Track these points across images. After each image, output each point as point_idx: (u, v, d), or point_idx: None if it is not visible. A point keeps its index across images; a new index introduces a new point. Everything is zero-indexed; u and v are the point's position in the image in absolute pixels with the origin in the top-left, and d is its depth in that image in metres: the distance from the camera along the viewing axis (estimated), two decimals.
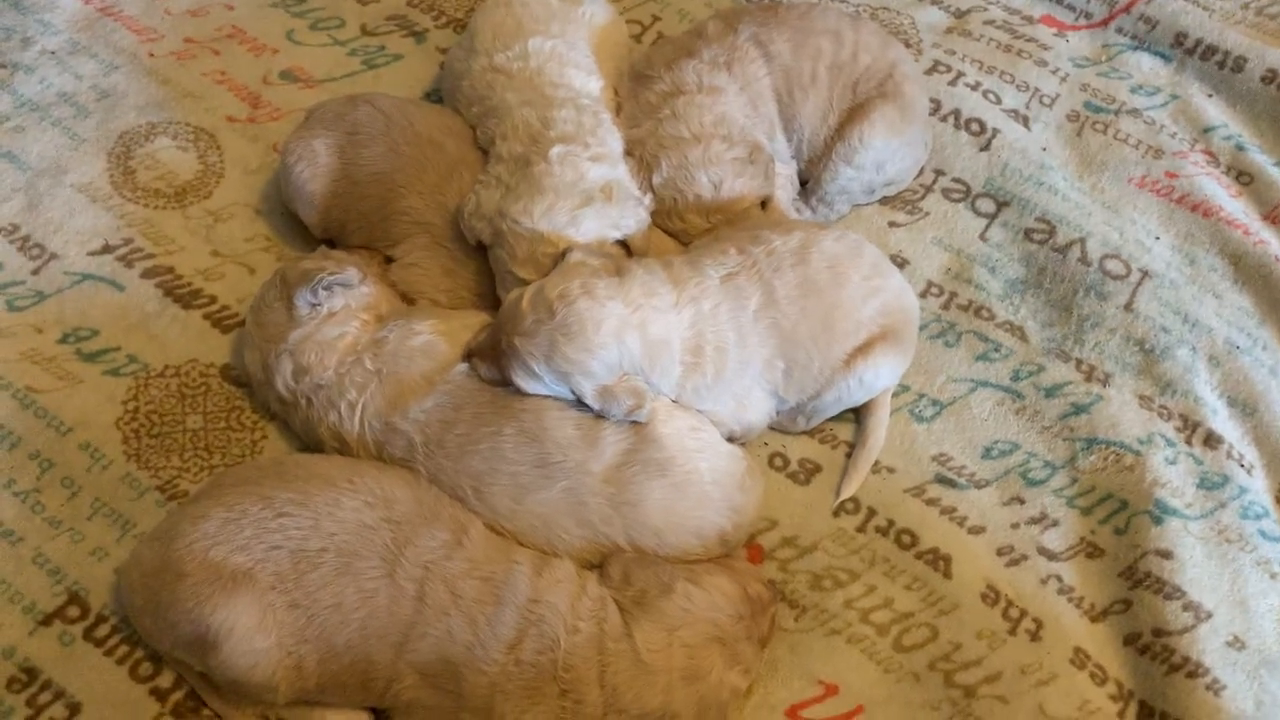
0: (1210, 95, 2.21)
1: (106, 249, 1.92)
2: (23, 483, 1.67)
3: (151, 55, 2.18)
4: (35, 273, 1.88)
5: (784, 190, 1.95)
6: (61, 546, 1.62)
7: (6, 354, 1.79)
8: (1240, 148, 2.12)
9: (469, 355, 1.62)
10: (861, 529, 1.69)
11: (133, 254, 1.91)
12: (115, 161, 2.02)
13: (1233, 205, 2.04)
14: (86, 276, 1.89)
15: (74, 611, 1.57)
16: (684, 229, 1.85)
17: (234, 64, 2.18)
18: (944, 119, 2.11)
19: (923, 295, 1.90)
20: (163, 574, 1.42)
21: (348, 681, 1.44)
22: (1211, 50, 2.22)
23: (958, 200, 2.03)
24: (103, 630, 1.56)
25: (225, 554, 1.42)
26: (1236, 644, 1.59)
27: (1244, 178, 2.09)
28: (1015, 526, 1.70)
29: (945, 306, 1.91)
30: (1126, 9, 2.31)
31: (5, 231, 1.92)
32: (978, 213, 2.02)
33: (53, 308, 1.85)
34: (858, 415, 1.77)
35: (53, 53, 2.17)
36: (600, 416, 1.57)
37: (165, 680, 1.52)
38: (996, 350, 1.86)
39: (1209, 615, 1.61)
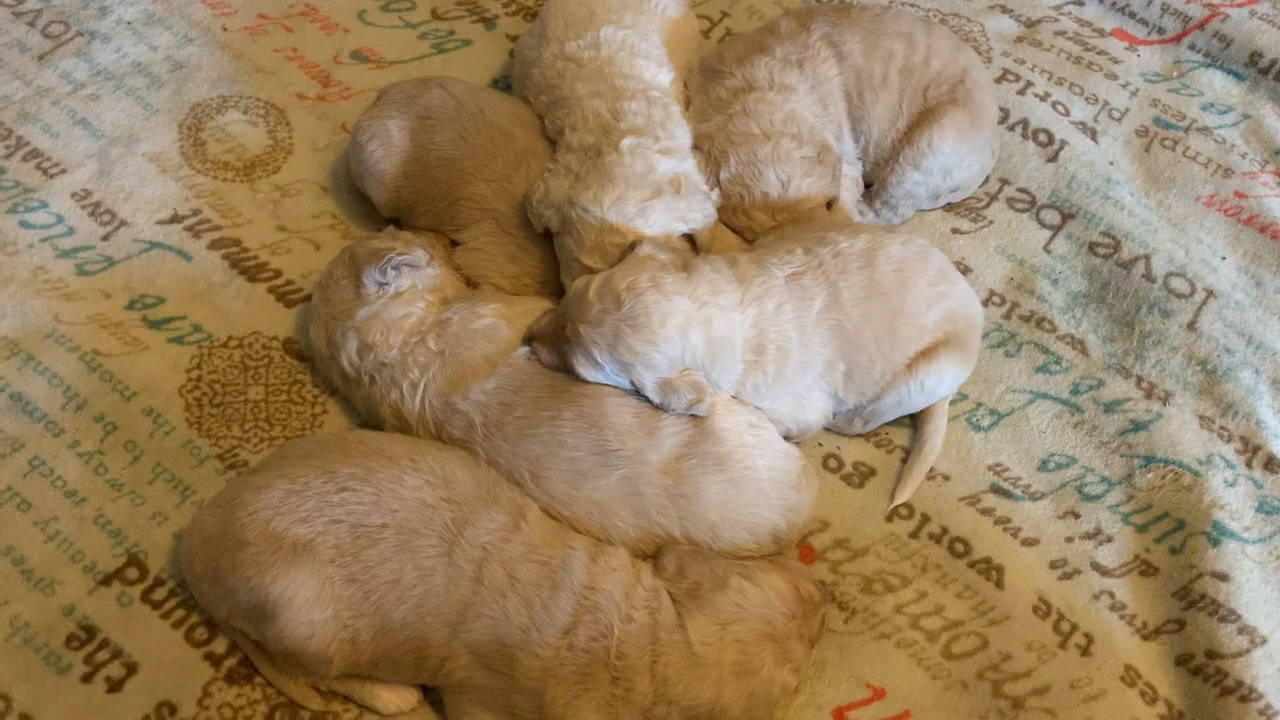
0: None
1: (175, 218, 1.94)
2: (87, 444, 1.70)
3: (225, 29, 2.21)
4: (105, 239, 1.91)
5: (849, 192, 1.94)
6: (123, 509, 1.65)
7: (75, 317, 1.81)
8: None
9: (530, 339, 1.63)
10: (914, 535, 1.69)
11: (200, 225, 1.94)
12: (186, 133, 2.05)
13: None
14: (155, 245, 1.91)
15: (133, 573, 1.60)
16: (749, 225, 1.85)
17: (305, 42, 2.21)
18: (1011, 128, 2.10)
19: (984, 304, 1.89)
20: (224, 541, 1.44)
21: (401, 658, 1.45)
22: None
23: (1022, 210, 2.02)
24: (160, 593, 1.58)
25: (287, 525, 1.44)
26: None
27: None
28: (1069, 540, 1.69)
29: (1006, 316, 1.90)
30: (1200, 25, 2.28)
31: (78, 197, 1.95)
32: (1042, 224, 2.01)
33: (121, 274, 1.88)
34: (914, 421, 1.77)
35: (129, 23, 2.19)
36: (659, 408, 1.57)
37: (220, 646, 1.55)
38: (1057, 363, 1.85)
39: (1264, 640, 1.59)
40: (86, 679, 1.51)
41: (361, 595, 1.43)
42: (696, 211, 1.72)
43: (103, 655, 1.53)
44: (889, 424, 1.77)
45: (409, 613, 1.43)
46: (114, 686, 1.51)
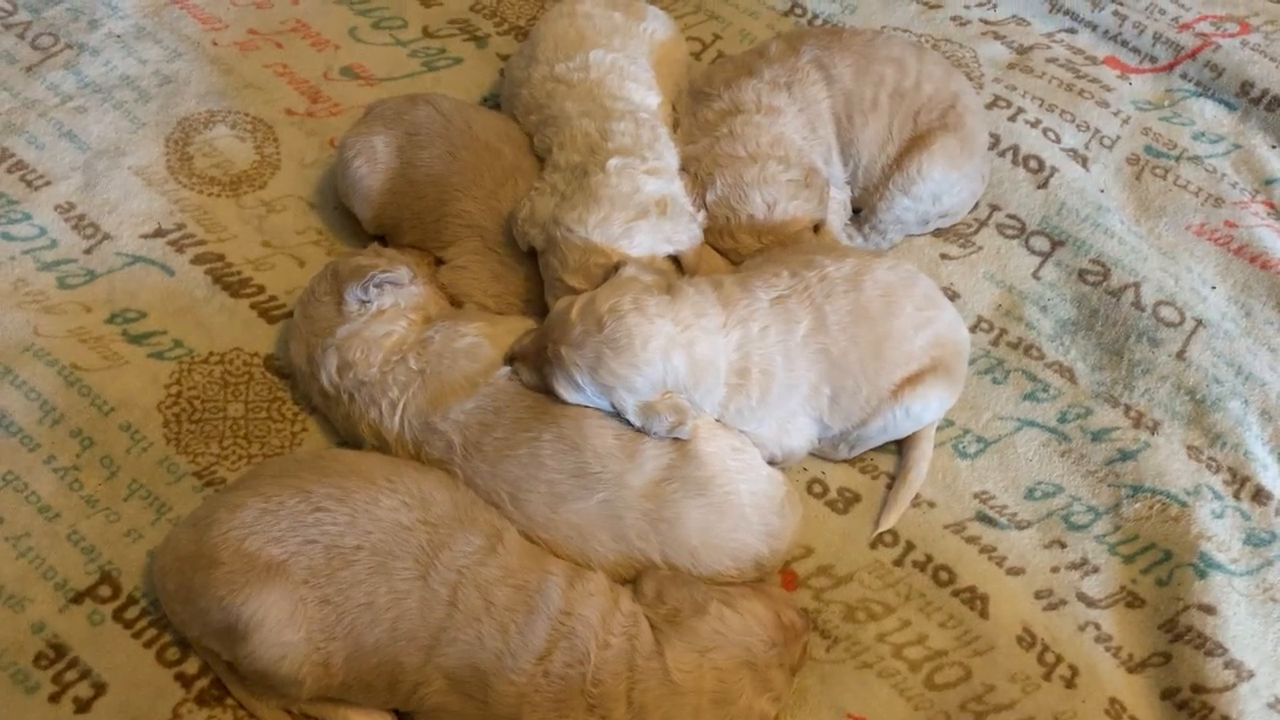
0: (1274, 146, 2.17)
1: (159, 233, 1.93)
2: (63, 459, 1.67)
3: (215, 44, 2.20)
4: (88, 252, 1.90)
5: (836, 216, 1.94)
6: (97, 525, 1.62)
7: (54, 330, 1.80)
8: None
9: (512, 358, 1.61)
10: (899, 562, 1.67)
11: (185, 239, 1.92)
12: (173, 147, 2.04)
13: None
14: (138, 259, 1.90)
15: (105, 591, 1.57)
16: (735, 248, 1.84)
17: (296, 57, 2.20)
18: (1002, 154, 2.09)
19: (972, 330, 1.87)
20: (197, 561, 1.42)
21: (374, 681, 1.42)
22: (1278, 101, 2.19)
23: (1012, 237, 2.01)
24: (132, 612, 1.56)
25: (260, 545, 1.41)
26: (1278, 706, 1.55)
27: None
28: (1055, 570, 1.67)
29: (994, 343, 1.89)
30: (1192, 55, 2.28)
31: (61, 209, 1.94)
32: (1032, 250, 2.00)
33: (102, 287, 1.86)
34: (900, 447, 1.75)
35: (119, 36, 2.19)
36: (641, 431, 1.56)
37: (191, 666, 1.52)
38: (1044, 390, 1.84)
39: (1251, 675, 1.57)
40: (54, 698, 1.48)
41: (334, 617, 1.40)
42: (682, 233, 1.71)
43: (71, 675, 1.50)
44: (874, 449, 1.75)
45: (382, 636, 1.41)
46: (82, 707, 1.48)
